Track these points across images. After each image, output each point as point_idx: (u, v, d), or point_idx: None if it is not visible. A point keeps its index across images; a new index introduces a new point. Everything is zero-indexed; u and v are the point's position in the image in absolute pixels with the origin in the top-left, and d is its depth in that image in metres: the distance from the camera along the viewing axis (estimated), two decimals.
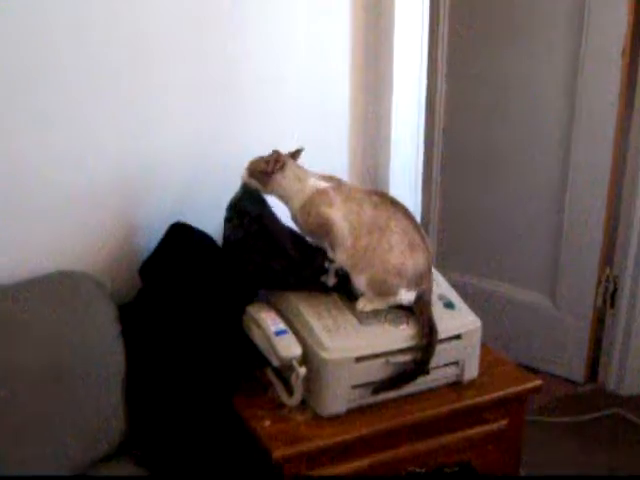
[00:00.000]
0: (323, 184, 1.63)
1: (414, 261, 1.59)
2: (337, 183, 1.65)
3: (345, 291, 1.66)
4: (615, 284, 2.65)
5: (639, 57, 2.44)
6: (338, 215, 1.59)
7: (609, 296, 2.68)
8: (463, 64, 2.75)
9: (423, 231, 1.63)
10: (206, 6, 1.76)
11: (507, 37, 2.65)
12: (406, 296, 1.60)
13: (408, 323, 1.61)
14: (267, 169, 1.61)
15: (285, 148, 1.67)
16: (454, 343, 1.64)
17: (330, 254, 1.62)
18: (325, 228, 1.60)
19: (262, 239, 1.66)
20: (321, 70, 1.94)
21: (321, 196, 1.61)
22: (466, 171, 2.84)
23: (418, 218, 2.07)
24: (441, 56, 2.77)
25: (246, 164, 1.66)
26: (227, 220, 1.70)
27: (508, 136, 2.71)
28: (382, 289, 1.60)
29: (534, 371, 2.71)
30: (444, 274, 1.76)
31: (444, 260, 2.54)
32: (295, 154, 1.69)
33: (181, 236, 1.75)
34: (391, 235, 1.58)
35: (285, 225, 1.72)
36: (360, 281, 1.60)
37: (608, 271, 2.66)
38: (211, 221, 1.77)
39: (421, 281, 1.60)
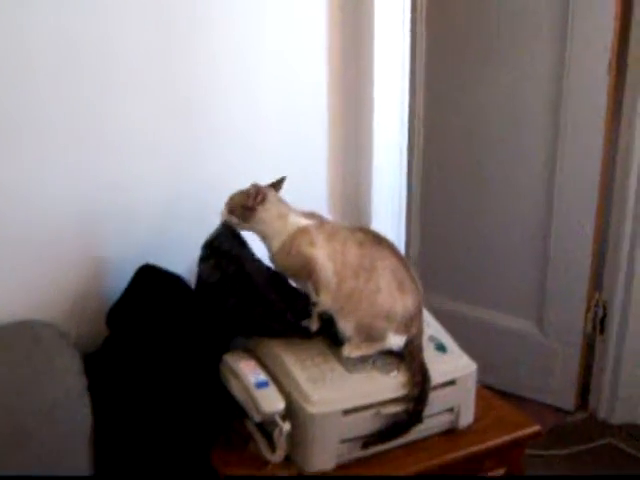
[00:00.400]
0: (304, 221, 1.53)
1: (404, 303, 1.49)
2: (319, 221, 1.55)
3: (329, 335, 1.55)
4: (605, 309, 2.57)
5: (626, 70, 2.35)
6: (321, 255, 1.49)
7: (598, 322, 2.61)
8: (441, 81, 2.67)
9: (412, 270, 1.53)
10: (173, 29, 1.66)
11: (487, 51, 2.56)
12: (395, 341, 1.51)
13: (399, 370, 1.51)
14: (248, 203, 1.51)
15: (261, 177, 1.57)
16: (448, 389, 1.54)
17: (313, 297, 1.52)
18: (307, 269, 1.49)
19: (240, 281, 1.56)
20: (296, 92, 1.84)
21: (303, 235, 1.51)
22: (447, 194, 2.76)
23: (402, 247, 1.98)
24: (419, 74, 2.68)
25: (225, 200, 1.56)
26: (202, 260, 1.59)
27: (491, 157, 2.64)
28: (370, 334, 1.49)
29: (521, 400, 2.66)
30: (426, 301, 1.65)
31: (426, 286, 2.42)
32: (277, 185, 1.59)
33: (150, 279, 1.63)
34: (378, 276, 1.48)
35: (265, 266, 1.62)
36: (346, 326, 1.50)
37: (597, 296, 2.59)
38: (183, 261, 1.66)
39: (411, 324, 1.50)
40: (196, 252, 1.60)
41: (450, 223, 2.76)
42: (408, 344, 1.51)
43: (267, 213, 1.52)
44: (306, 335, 1.54)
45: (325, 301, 1.50)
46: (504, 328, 2.74)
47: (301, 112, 1.86)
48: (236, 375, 1.50)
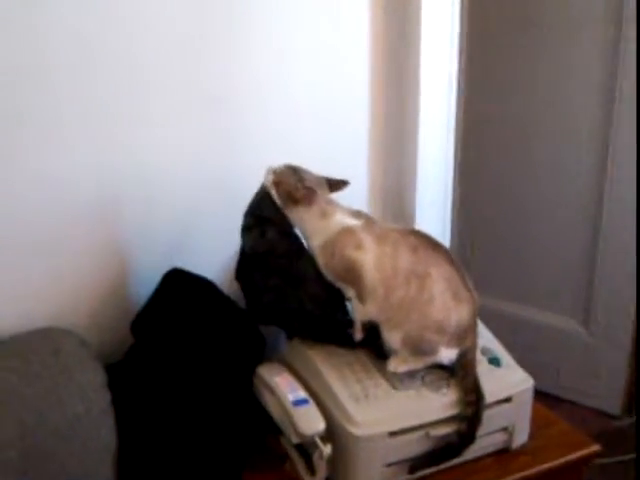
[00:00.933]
0: (351, 221, 1.40)
1: (458, 315, 1.37)
2: (366, 220, 1.42)
3: (373, 347, 1.44)
4: None
5: None
6: (368, 259, 1.37)
7: None
8: (483, 74, 2.52)
9: (468, 278, 1.40)
10: (208, 23, 1.54)
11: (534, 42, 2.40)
12: (447, 355, 1.39)
13: (449, 386, 1.40)
14: (294, 195, 1.40)
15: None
16: (503, 407, 1.43)
17: (357, 305, 1.40)
18: (352, 275, 1.37)
19: (287, 260, 1.45)
20: (336, 87, 1.71)
21: (348, 235, 1.39)
22: (489, 185, 2.62)
23: (448, 243, 1.86)
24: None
25: (278, 166, 1.43)
26: (244, 229, 1.46)
27: (538, 149, 2.50)
28: (419, 347, 1.38)
29: (564, 402, 2.54)
30: None
31: None
32: (334, 186, 1.46)
33: (179, 284, 1.52)
34: (432, 284, 1.36)
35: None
36: (393, 338, 1.38)
37: None
38: (212, 263, 1.57)
39: (465, 337, 1.38)
40: (226, 255, 1.51)
41: (490, 214, 2.63)
42: (460, 358, 1.40)
43: (308, 213, 1.41)
44: (350, 344, 1.43)
45: (370, 310, 1.38)
46: (547, 326, 2.61)
47: (341, 107, 1.74)
48: (272, 390, 1.39)
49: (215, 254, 1.54)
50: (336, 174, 1.46)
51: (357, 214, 1.44)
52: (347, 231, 1.39)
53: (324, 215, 1.40)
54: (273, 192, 1.42)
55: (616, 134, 2.33)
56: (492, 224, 2.65)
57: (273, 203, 1.43)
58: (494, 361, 1.46)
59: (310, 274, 1.43)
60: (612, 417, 2.59)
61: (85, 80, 1.42)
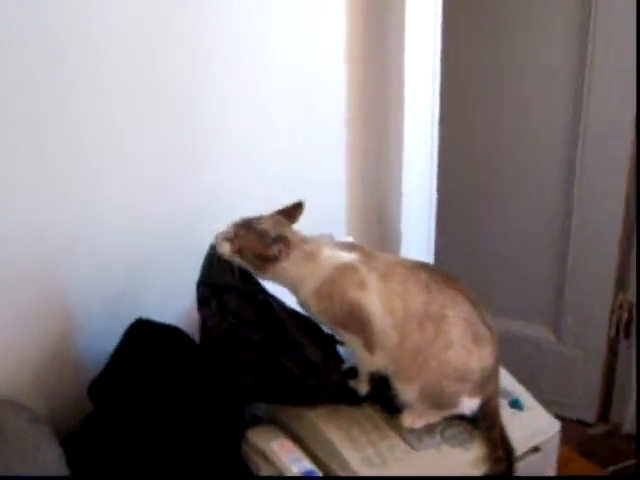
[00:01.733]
0: (346, 256, 1.20)
1: (480, 359, 1.20)
2: (363, 252, 1.23)
3: (380, 399, 1.25)
4: (630, 312, 2.33)
5: None
6: (375, 300, 1.18)
7: (623, 325, 2.36)
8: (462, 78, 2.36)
9: (486, 313, 1.23)
10: (166, 26, 1.32)
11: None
12: (469, 405, 1.22)
13: (473, 440, 1.23)
14: (267, 254, 1.18)
15: (262, 193, 1.33)
16: (531, 458, 1.28)
17: (363, 355, 1.21)
18: (357, 320, 1.18)
19: (259, 327, 1.23)
20: (309, 93, 1.52)
21: (347, 273, 1.19)
22: (460, 199, 2.47)
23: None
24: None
25: (227, 230, 1.21)
26: (201, 303, 1.24)
27: (507, 154, 2.37)
28: (439, 400, 1.20)
29: None
30: None
31: None
32: (292, 215, 1.26)
33: (144, 337, 1.29)
34: (449, 327, 1.18)
35: (284, 304, 1.29)
36: (409, 390, 1.20)
37: (622, 297, 2.34)
38: (173, 307, 1.36)
39: (488, 384, 1.22)
40: (182, 305, 1.31)
41: (462, 225, 2.48)
42: (483, 406, 1.23)
43: (289, 263, 1.20)
44: (354, 401, 1.24)
45: (381, 360, 1.19)
46: (517, 336, 2.48)
47: (315, 116, 1.54)
48: (269, 460, 1.19)
49: (170, 306, 1.34)
50: (310, 191, 1.27)
51: (348, 246, 1.25)
52: (345, 268, 1.19)
53: (309, 257, 1.20)
54: (237, 261, 1.20)
55: (583, 144, 2.22)
56: (461, 234, 2.51)
57: (226, 267, 1.22)
58: (516, 404, 1.31)
59: (292, 336, 1.23)
60: (587, 425, 2.49)
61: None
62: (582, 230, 2.31)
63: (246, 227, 1.20)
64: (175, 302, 1.38)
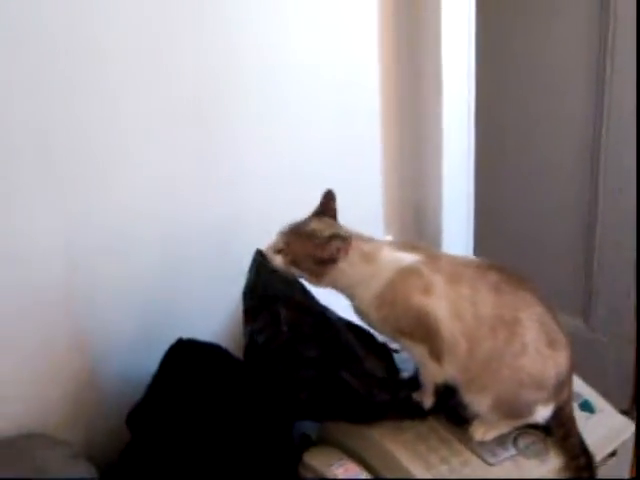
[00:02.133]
0: (407, 257, 1.11)
1: (556, 364, 1.12)
2: (426, 253, 1.14)
3: (445, 410, 1.16)
4: None
5: None
6: (442, 307, 1.09)
7: None
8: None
9: (557, 316, 1.14)
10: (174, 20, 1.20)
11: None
12: (543, 413, 1.14)
13: (548, 449, 1.14)
14: (324, 256, 1.09)
15: (296, 195, 1.23)
16: (608, 464, 1.19)
17: (430, 365, 1.12)
18: (423, 328, 1.09)
19: (316, 342, 1.14)
20: (340, 90, 1.42)
21: (411, 277, 1.10)
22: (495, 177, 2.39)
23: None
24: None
25: (275, 241, 1.13)
26: (249, 315, 1.16)
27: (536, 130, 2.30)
28: (512, 409, 1.12)
29: None
30: None
31: None
32: (327, 206, 1.17)
33: (185, 358, 1.19)
34: (523, 331, 1.10)
35: (338, 314, 1.20)
36: (480, 401, 1.12)
37: None
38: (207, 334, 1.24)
39: (562, 389, 1.14)
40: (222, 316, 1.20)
41: (496, 217, 2.39)
42: (557, 414, 1.15)
43: (351, 265, 1.11)
44: (419, 414, 1.15)
45: (449, 370, 1.10)
46: None
47: (348, 113, 1.45)
48: None
49: (207, 321, 1.24)
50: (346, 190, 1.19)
51: (409, 246, 1.16)
52: (408, 271, 1.10)
53: (368, 258, 1.11)
54: (294, 270, 1.11)
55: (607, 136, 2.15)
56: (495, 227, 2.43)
57: (277, 275, 1.13)
58: (586, 406, 1.23)
59: (352, 349, 1.15)
60: (622, 412, 2.42)
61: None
62: (608, 215, 2.24)
63: (295, 233, 1.11)
64: (212, 316, 1.29)
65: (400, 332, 1.12)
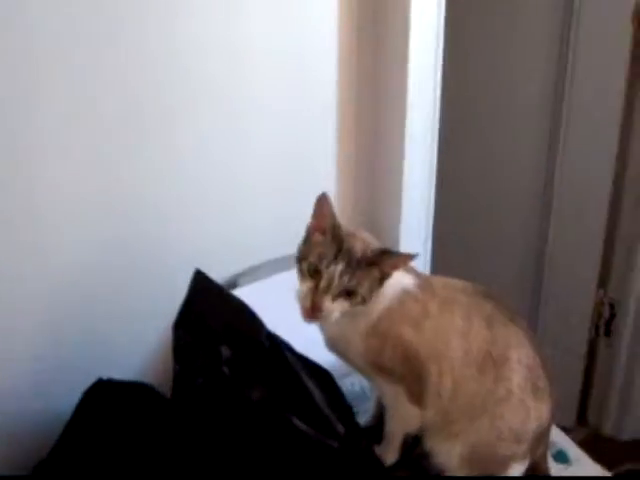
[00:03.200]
0: (405, 279, 0.98)
1: (538, 418, 0.99)
2: (417, 275, 1.01)
3: (406, 461, 1.03)
4: (612, 309, 2.18)
5: None
6: (433, 341, 0.98)
7: (603, 323, 2.22)
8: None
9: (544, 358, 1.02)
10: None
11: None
12: (517, 470, 1.01)
13: None
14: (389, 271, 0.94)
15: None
16: None
17: (406, 408, 0.97)
18: (411, 370, 0.96)
19: (263, 382, 0.98)
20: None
21: (408, 303, 0.97)
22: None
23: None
24: None
25: (333, 283, 0.94)
26: (181, 350, 0.98)
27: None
28: (487, 465, 0.99)
29: None
30: None
31: None
32: (328, 215, 0.99)
33: (105, 402, 1.02)
34: (511, 374, 0.97)
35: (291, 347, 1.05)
36: (451, 453, 0.98)
37: (603, 294, 2.19)
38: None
39: (539, 444, 1.01)
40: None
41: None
42: (532, 469, 1.02)
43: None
44: (378, 469, 1.01)
45: (427, 415, 0.96)
46: None
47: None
48: None
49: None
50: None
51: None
52: (406, 296, 0.97)
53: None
54: (343, 305, 0.95)
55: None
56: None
57: (222, 302, 1.01)
58: (561, 457, 1.12)
59: (306, 388, 0.99)
60: (565, 430, 2.34)
61: None
62: (560, 218, 2.16)
63: (354, 262, 0.94)
64: (133, 354, 1.11)
65: (379, 367, 0.97)
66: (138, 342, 1.12)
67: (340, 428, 0.98)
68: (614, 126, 1.97)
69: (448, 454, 0.98)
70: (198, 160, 1.16)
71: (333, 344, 1.00)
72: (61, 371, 1.05)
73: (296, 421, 0.96)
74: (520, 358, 0.98)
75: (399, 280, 0.97)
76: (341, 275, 0.91)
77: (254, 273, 1.25)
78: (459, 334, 0.96)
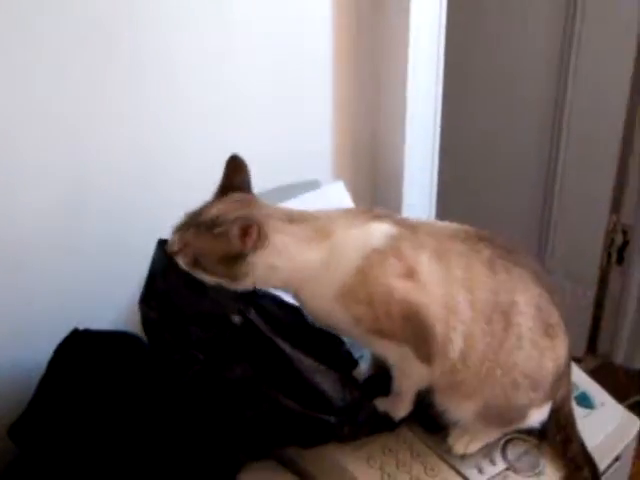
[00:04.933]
0: (376, 232, 0.86)
1: (554, 356, 0.89)
2: (400, 224, 0.88)
3: (417, 418, 0.93)
4: (625, 235, 2.08)
5: None
6: (433, 296, 0.85)
7: (615, 250, 2.12)
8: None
9: (553, 289, 0.91)
10: None
11: None
12: (538, 417, 0.92)
13: (542, 459, 0.92)
14: (231, 249, 0.81)
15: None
16: (610, 470, 0.98)
17: (414, 367, 0.87)
18: (412, 327, 0.84)
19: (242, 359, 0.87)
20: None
21: (386, 261, 0.84)
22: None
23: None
24: None
25: (172, 239, 0.85)
26: (150, 325, 0.89)
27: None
28: (503, 416, 0.89)
29: None
30: None
31: None
32: (233, 177, 0.88)
33: (82, 352, 0.92)
34: (519, 319, 0.87)
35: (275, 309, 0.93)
36: (464, 408, 0.89)
37: (615, 219, 2.08)
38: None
39: (560, 384, 0.92)
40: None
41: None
42: (555, 413, 0.93)
43: (277, 251, 0.83)
44: (388, 427, 0.91)
45: (434, 374, 0.86)
46: None
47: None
48: None
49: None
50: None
51: (370, 215, 0.89)
52: (382, 252, 0.84)
53: (314, 241, 0.85)
54: (204, 278, 0.84)
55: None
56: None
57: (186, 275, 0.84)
58: (584, 401, 1.03)
59: (291, 361, 0.88)
60: (576, 360, 2.27)
61: None
62: (571, 138, 2.04)
63: (193, 225, 0.83)
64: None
65: (379, 334, 0.86)
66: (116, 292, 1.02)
67: (336, 399, 0.87)
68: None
69: (461, 411, 0.88)
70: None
71: (315, 318, 0.89)
72: (40, 322, 0.95)
73: (283, 399, 0.86)
74: (527, 300, 0.87)
75: (367, 234, 0.85)
76: (177, 234, 0.83)
77: None
78: (462, 287, 0.85)
